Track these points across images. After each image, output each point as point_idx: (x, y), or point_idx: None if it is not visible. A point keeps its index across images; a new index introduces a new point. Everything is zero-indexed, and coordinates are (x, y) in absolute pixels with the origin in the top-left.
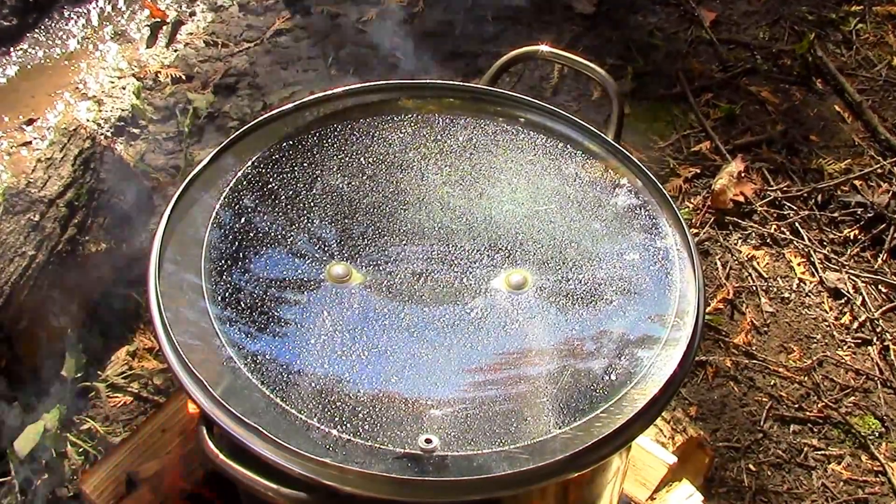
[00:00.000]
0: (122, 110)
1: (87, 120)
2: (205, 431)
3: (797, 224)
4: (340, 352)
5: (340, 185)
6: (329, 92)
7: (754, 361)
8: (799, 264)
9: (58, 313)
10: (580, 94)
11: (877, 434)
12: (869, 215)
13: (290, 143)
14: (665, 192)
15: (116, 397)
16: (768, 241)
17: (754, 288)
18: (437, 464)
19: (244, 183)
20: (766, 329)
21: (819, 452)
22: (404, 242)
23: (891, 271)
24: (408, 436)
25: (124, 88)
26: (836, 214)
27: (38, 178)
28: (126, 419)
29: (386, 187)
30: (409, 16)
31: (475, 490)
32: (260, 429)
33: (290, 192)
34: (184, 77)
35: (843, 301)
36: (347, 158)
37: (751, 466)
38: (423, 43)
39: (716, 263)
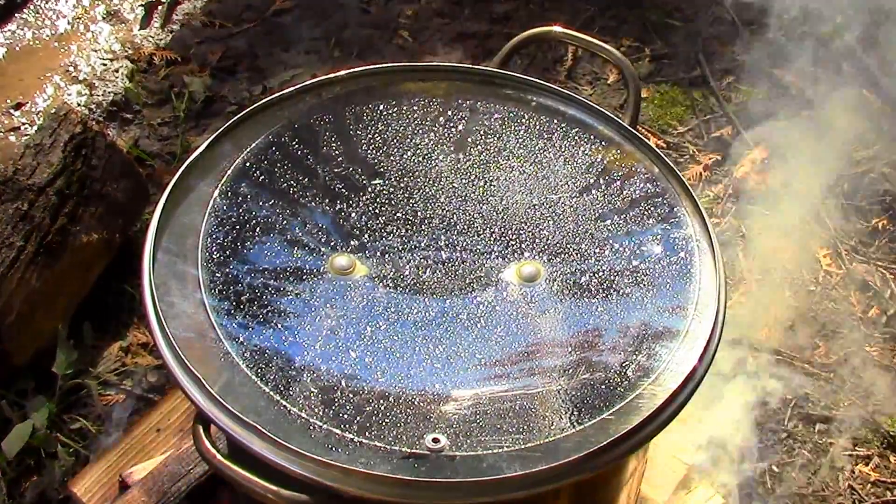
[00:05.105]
0: (115, 94)
1: (78, 104)
2: (201, 430)
3: (823, 213)
4: (343, 347)
5: (343, 173)
6: (332, 75)
7: (778, 357)
8: (825, 256)
9: (47, 307)
10: (595, 77)
11: None
12: None
13: (291, 128)
14: (684, 179)
15: (109, 395)
16: (793, 230)
17: (778, 280)
18: (445, 464)
19: (243, 170)
20: (790, 323)
21: (846, 453)
22: (410, 232)
23: None
24: (414, 435)
25: (117, 71)
26: (863, 203)
27: (27, 165)
28: (119, 418)
29: (391, 175)
30: None
31: (485, 492)
32: (259, 427)
33: (291, 180)
34: (180, 59)
35: (870, 294)
36: (351, 144)
37: (774, 467)
38: (431, 23)
39: (737, 254)
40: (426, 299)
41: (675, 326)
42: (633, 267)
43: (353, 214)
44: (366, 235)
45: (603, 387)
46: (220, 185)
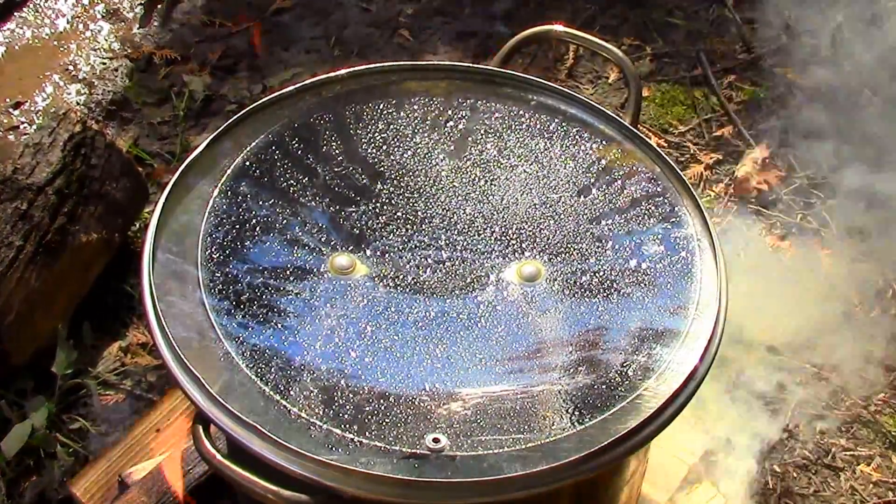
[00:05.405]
0: (115, 93)
1: (78, 103)
2: (201, 431)
3: (825, 213)
4: (343, 347)
5: (344, 172)
6: (332, 74)
7: (779, 357)
8: (826, 255)
9: (47, 307)
10: (596, 76)
11: None
12: None
13: (291, 127)
14: (685, 178)
15: (108, 395)
16: (794, 230)
17: (779, 279)
18: (446, 464)
19: (243, 169)
20: (791, 323)
21: (847, 453)
22: (411, 232)
23: None
24: (414, 435)
25: (117, 70)
26: (865, 202)
27: (26, 165)
28: (118, 418)
29: (391, 174)
30: None
31: (485, 492)
32: (259, 427)
33: (291, 179)
34: (179, 58)
35: (872, 293)
36: (351, 144)
37: (776, 468)
38: (431, 22)
39: (739, 254)
40: (426, 299)
41: (676, 326)
42: (634, 266)
43: (353, 214)
44: (366, 235)
45: (604, 387)
46: (219, 185)
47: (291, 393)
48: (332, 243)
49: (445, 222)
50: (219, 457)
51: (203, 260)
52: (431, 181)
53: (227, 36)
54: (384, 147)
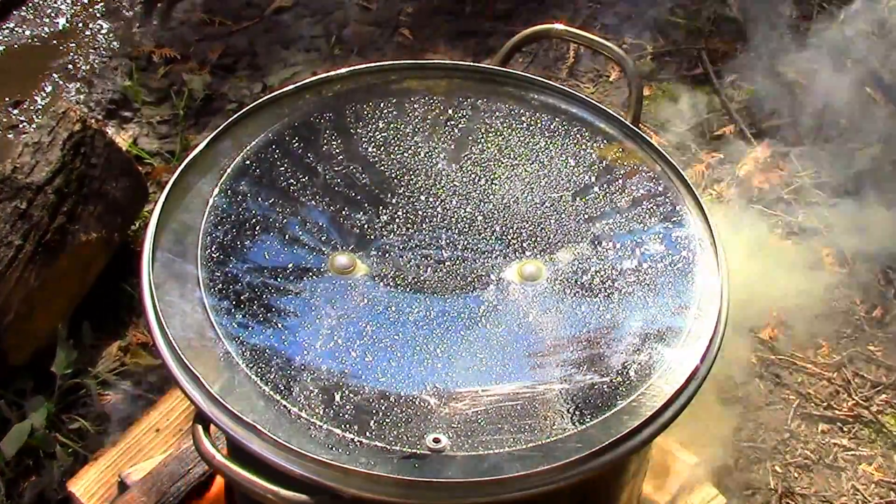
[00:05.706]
0: (114, 92)
1: (77, 102)
2: (201, 430)
3: (826, 213)
4: (344, 346)
5: (344, 171)
6: (333, 73)
7: (780, 357)
8: (827, 255)
9: (46, 306)
10: (597, 75)
11: None
12: None
13: (292, 126)
14: (686, 178)
15: (108, 395)
16: (796, 230)
17: (781, 280)
18: (446, 464)
19: (243, 168)
20: (793, 323)
21: (849, 453)
22: (411, 231)
23: None
24: (414, 435)
25: (116, 69)
26: (866, 202)
27: (25, 164)
28: (118, 418)
29: (392, 173)
30: None
31: (485, 492)
32: (259, 427)
33: (291, 178)
34: (179, 57)
35: (873, 293)
36: (351, 143)
37: (777, 468)
38: (431, 21)
39: (740, 254)
40: (427, 298)
41: (677, 326)
42: (635, 266)
43: (353, 213)
44: (366, 234)
45: (605, 386)
46: (219, 184)
47: (291, 393)
48: (332, 243)
49: (446, 221)
50: (219, 457)
51: (203, 259)
52: (432, 180)
53: (227, 34)
54: (384, 146)
